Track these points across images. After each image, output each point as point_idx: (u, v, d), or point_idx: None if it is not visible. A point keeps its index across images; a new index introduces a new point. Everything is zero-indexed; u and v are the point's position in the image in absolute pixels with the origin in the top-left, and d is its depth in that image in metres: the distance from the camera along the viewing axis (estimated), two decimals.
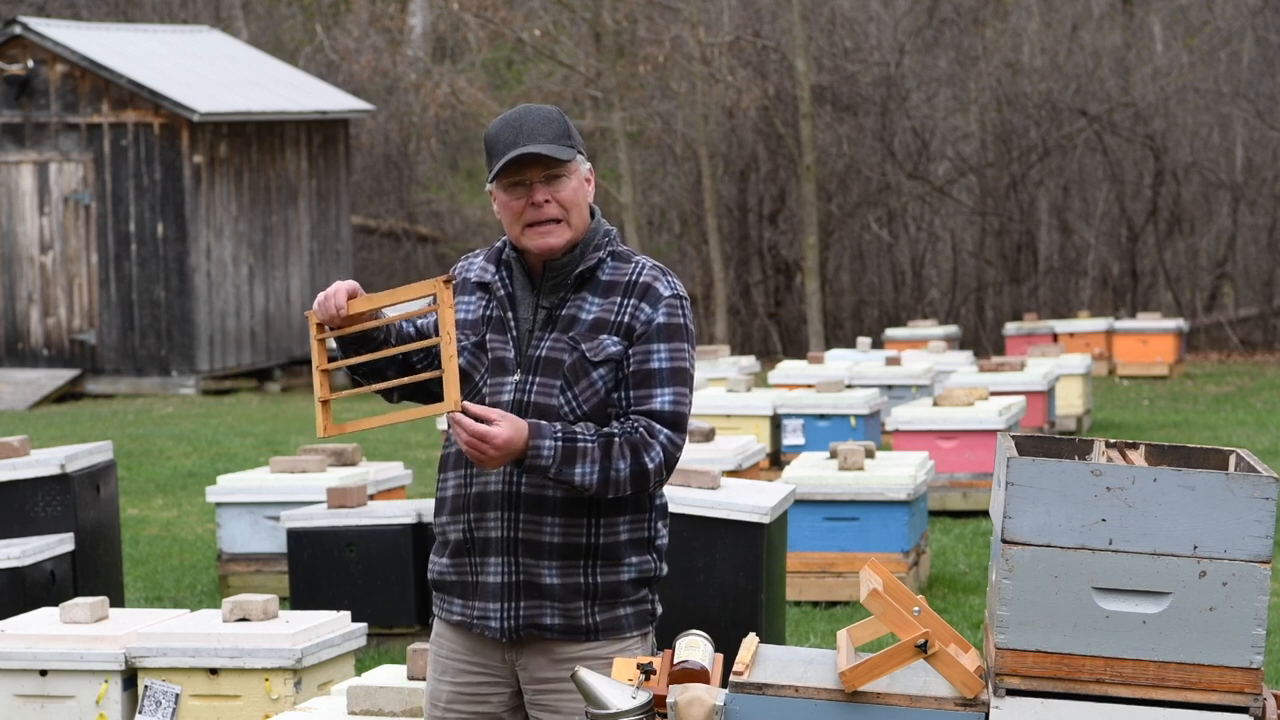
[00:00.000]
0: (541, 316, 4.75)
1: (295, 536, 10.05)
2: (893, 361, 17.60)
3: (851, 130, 29.36)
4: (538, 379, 4.72)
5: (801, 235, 28.23)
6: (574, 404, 4.70)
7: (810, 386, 15.59)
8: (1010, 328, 23.08)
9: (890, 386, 16.78)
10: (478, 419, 4.55)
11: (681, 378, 4.73)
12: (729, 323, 28.48)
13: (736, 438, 12.09)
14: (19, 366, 25.79)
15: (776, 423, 14.85)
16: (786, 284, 30.29)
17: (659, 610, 4.88)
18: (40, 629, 7.42)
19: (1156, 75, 29.77)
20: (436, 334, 4.84)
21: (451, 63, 32.16)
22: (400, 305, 4.79)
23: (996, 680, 4.21)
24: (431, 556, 4.90)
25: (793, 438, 14.79)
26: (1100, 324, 23.63)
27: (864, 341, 20.16)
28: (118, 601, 9.85)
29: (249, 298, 26.22)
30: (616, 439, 4.64)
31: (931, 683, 4.29)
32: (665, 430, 4.68)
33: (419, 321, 4.90)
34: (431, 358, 4.89)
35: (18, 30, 25.65)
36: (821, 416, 14.83)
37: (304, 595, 9.90)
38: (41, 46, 25.54)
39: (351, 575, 9.90)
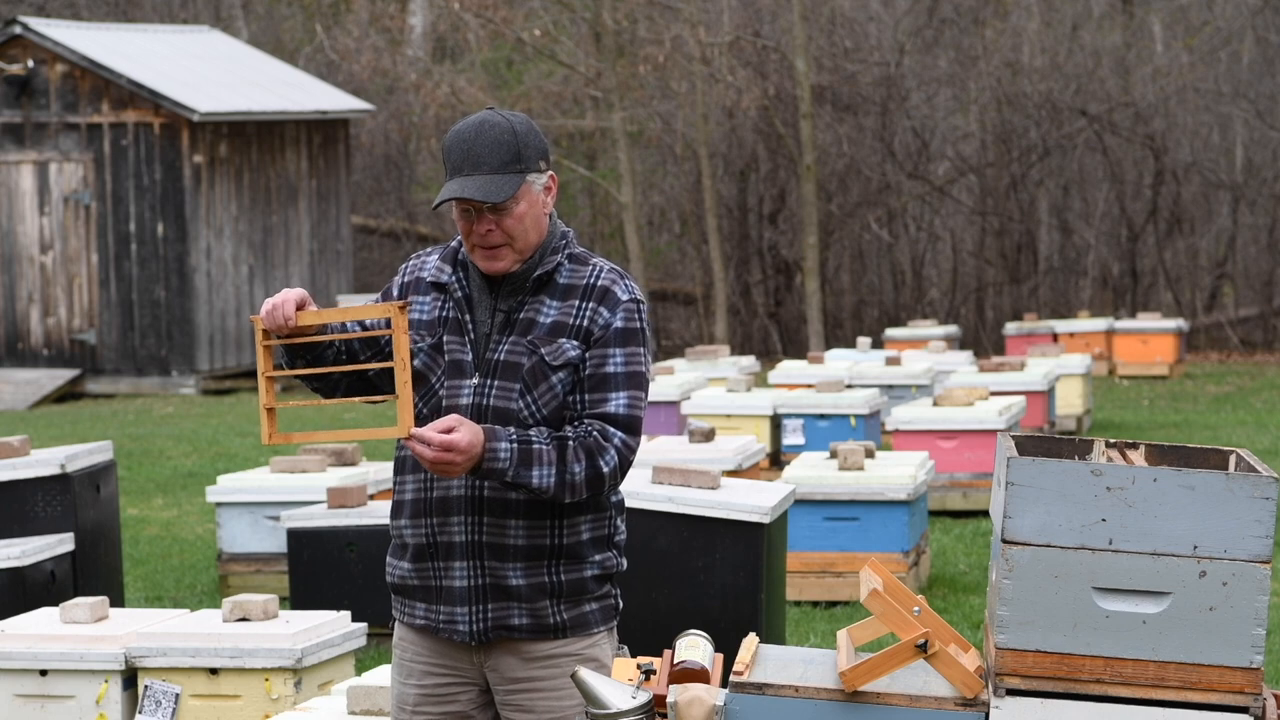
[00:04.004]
0: (499, 320, 4.73)
1: (295, 536, 10.05)
2: (893, 361, 17.60)
3: (851, 130, 29.36)
4: (496, 382, 4.70)
5: (801, 235, 28.23)
6: (533, 408, 4.69)
7: (810, 386, 15.59)
8: (1010, 328, 23.07)
9: (890, 386, 16.78)
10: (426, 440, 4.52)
11: (636, 382, 4.72)
12: (729, 323, 28.48)
13: (736, 438, 12.09)
14: (19, 366, 25.80)
15: (776, 423, 14.85)
16: (786, 284, 30.30)
17: (621, 604, 4.88)
18: (40, 629, 7.42)
19: (1156, 75, 29.77)
20: (386, 336, 4.81)
21: (451, 63, 32.17)
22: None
23: (996, 680, 4.21)
24: (389, 559, 4.87)
25: (793, 438, 14.79)
26: (1100, 324, 23.62)
27: (864, 341, 20.15)
28: (118, 601, 9.85)
29: (249, 298, 26.22)
30: (571, 442, 4.62)
31: (931, 683, 4.29)
32: (620, 434, 4.67)
33: (367, 323, 4.84)
34: (381, 354, 4.84)
35: (18, 30, 25.66)
36: (821, 416, 14.83)
37: (304, 595, 9.90)
38: (41, 46, 25.55)
39: (351, 575, 9.90)
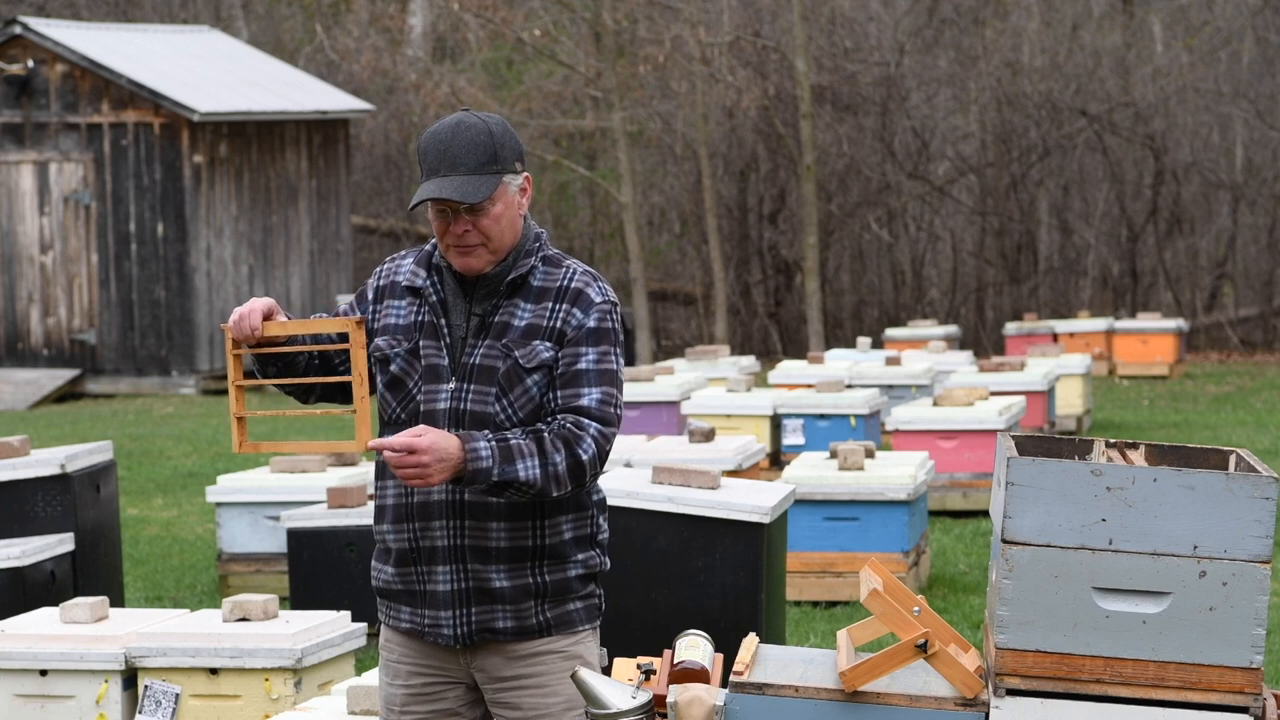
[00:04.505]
0: (474, 323, 4.74)
1: (295, 536, 10.05)
2: (893, 361, 17.59)
3: (851, 130, 29.36)
4: (472, 386, 4.71)
5: (801, 235, 28.23)
6: (509, 410, 4.69)
7: (810, 386, 15.58)
8: (1010, 328, 23.07)
9: (890, 386, 16.77)
10: (390, 447, 4.52)
11: (609, 379, 4.73)
12: (729, 323, 28.48)
13: (736, 438, 12.09)
14: (19, 366, 25.79)
15: (776, 423, 14.84)
16: (786, 284, 30.30)
17: (604, 604, 4.89)
18: (40, 629, 7.42)
19: (1156, 75, 29.78)
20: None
21: (451, 63, 32.17)
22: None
23: (996, 680, 4.21)
24: (374, 563, 4.88)
25: (793, 438, 14.79)
26: (1100, 324, 23.62)
27: (864, 341, 20.15)
28: (118, 601, 9.85)
29: (249, 298, 26.17)
30: (546, 435, 4.63)
31: (931, 683, 4.29)
32: (594, 424, 4.67)
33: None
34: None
35: (18, 30, 25.65)
36: (821, 416, 14.83)
37: (304, 595, 9.90)
38: (41, 46, 25.55)
39: (351, 575, 9.91)
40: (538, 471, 4.60)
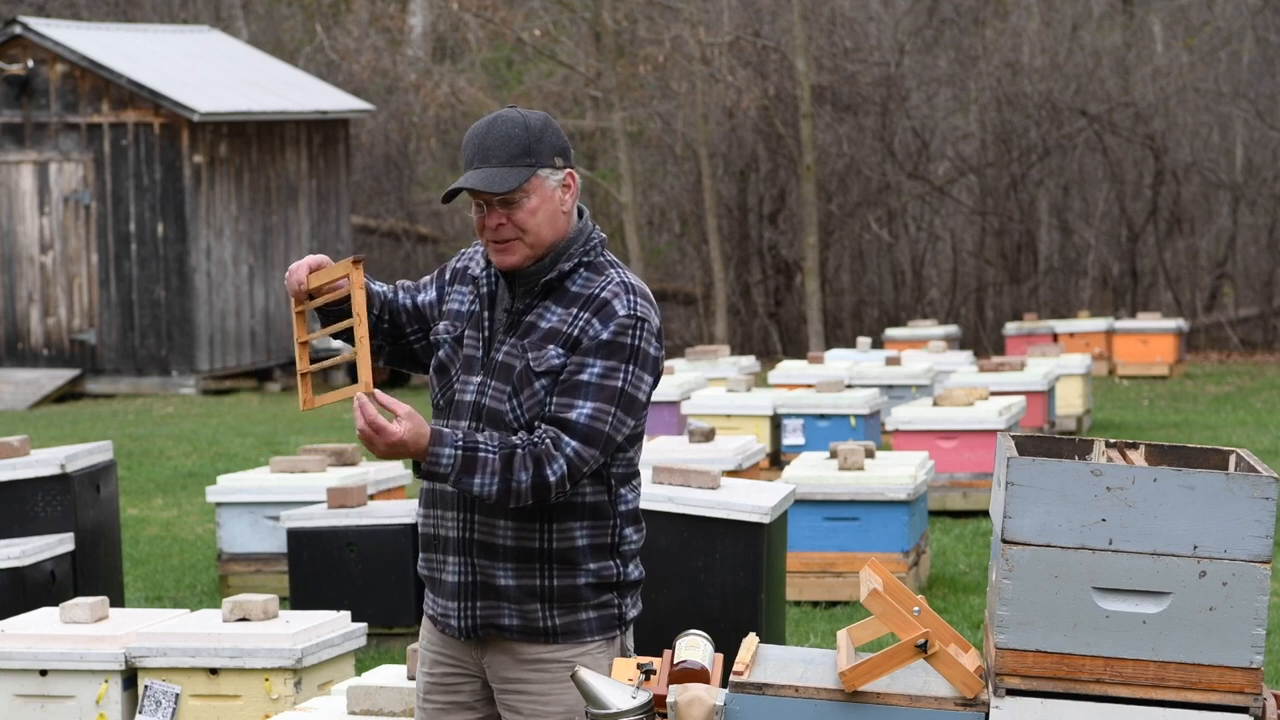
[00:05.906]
0: (508, 321, 4.74)
1: (295, 536, 10.05)
2: (893, 361, 17.59)
3: (851, 130, 29.36)
4: (493, 383, 4.70)
5: (801, 235, 28.23)
6: (518, 411, 4.67)
7: (810, 386, 15.58)
8: (1010, 328, 23.07)
9: (890, 386, 16.77)
10: (385, 408, 4.53)
11: (609, 395, 4.62)
12: (729, 323, 28.48)
13: (736, 438, 12.09)
14: (19, 366, 25.79)
15: (776, 423, 14.84)
16: (786, 284, 30.29)
17: (631, 614, 4.81)
18: (40, 629, 7.42)
19: (1156, 75, 29.78)
20: (434, 312, 4.87)
21: (451, 63, 32.16)
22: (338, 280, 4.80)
23: (996, 680, 4.21)
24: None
25: (793, 438, 14.78)
26: (1100, 324, 23.61)
27: (864, 341, 20.15)
28: (118, 601, 9.85)
29: (249, 298, 26.22)
30: (519, 450, 4.57)
31: (931, 683, 4.29)
32: (574, 443, 4.59)
33: (419, 298, 4.91)
34: (426, 331, 4.90)
35: (18, 30, 25.65)
36: (821, 416, 14.83)
37: (304, 595, 9.90)
38: (41, 46, 25.55)
39: (351, 575, 9.91)
40: (494, 487, 4.56)
